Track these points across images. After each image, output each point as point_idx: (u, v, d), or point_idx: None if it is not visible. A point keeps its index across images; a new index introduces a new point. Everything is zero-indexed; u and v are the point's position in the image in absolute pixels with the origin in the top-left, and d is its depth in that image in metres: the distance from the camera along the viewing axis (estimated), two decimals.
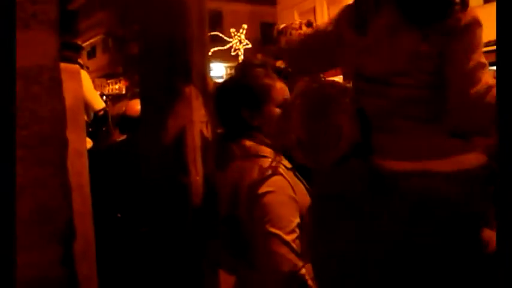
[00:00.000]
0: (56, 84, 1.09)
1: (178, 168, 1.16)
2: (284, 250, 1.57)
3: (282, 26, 2.93)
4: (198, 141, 1.17)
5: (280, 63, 2.74)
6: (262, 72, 1.80)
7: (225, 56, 20.90)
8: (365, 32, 1.31)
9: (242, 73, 1.81)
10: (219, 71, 24.37)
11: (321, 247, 1.42)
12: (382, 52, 1.29)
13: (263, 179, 1.64)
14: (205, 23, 1.19)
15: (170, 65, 1.14)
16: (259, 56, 1.99)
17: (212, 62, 21.66)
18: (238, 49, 20.46)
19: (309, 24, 2.88)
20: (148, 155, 1.21)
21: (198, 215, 1.19)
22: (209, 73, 1.20)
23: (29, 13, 1.03)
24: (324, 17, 20.24)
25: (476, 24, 1.30)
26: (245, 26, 18.45)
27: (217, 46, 18.25)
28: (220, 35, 19.44)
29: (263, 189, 1.62)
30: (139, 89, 1.21)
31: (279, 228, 1.58)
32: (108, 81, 25.32)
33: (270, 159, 1.68)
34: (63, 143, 1.11)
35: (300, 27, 2.84)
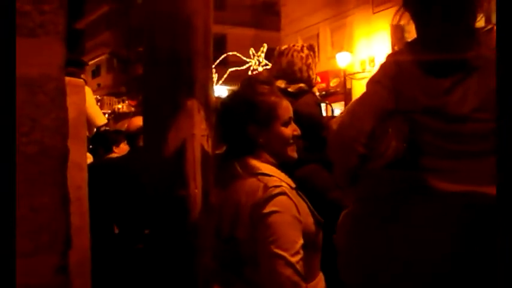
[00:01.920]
0: (60, 94, 1.10)
1: (177, 181, 1.16)
2: (288, 272, 1.56)
3: (283, 47, 2.97)
4: (198, 154, 1.17)
5: (280, 83, 2.77)
6: (269, 89, 1.82)
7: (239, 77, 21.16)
8: (444, 74, 1.42)
9: (249, 89, 1.80)
10: (222, 93, 24.53)
11: (356, 248, 1.43)
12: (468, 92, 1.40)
13: (268, 198, 1.63)
14: (210, 39, 1.21)
15: (174, 78, 1.15)
16: (264, 73, 2.03)
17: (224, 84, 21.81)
18: (256, 70, 20.64)
19: (310, 47, 2.92)
20: (148, 166, 1.21)
21: (195, 229, 1.19)
22: (212, 88, 1.21)
23: (37, 23, 1.05)
24: (327, 43, 20.42)
25: None
26: (265, 45, 18.45)
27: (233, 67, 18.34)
28: (238, 54, 19.52)
29: (268, 208, 1.61)
30: (142, 100, 1.22)
31: (285, 250, 1.58)
32: (116, 99, 25.50)
33: (274, 178, 1.68)
34: (64, 153, 1.11)
35: (302, 50, 2.89)
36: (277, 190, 1.66)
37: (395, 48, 1.64)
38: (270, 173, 1.73)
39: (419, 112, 1.50)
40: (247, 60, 20.30)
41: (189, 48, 1.16)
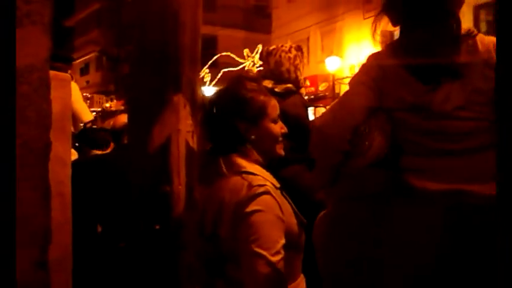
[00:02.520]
0: (44, 85, 1.09)
1: (162, 177, 1.15)
2: (268, 271, 1.55)
3: (271, 47, 2.97)
4: (183, 150, 1.16)
5: (267, 83, 2.77)
6: (258, 87, 1.82)
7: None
8: (428, 75, 1.46)
9: (239, 86, 1.80)
10: (211, 94, 24.50)
11: (334, 248, 1.42)
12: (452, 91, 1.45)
13: (252, 197, 1.62)
14: (198, 36, 1.20)
15: (160, 74, 1.14)
16: (253, 70, 2.03)
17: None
18: (251, 71, 20.62)
19: (298, 48, 2.93)
20: (133, 162, 1.20)
21: (179, 225, 1.18)
22: (199, 84, 1.20)
23: (23, 12, 1.04)
24: (317, 47, 20.49)
25: None
26: (260, 46, 18.31)
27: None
28: (231, 55, 19.42)
29: (251, 207, 1.61)
30: (128, 95, 1.21)
31: (265, 249, 1.56)
32: (106, 97, 25.36)
33: (259, 177, 1.67)
34: (46, 146, 1.10)
35: (290, 51, 2.89)
36: (261, 189, 1.65)
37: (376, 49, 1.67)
38: (255, 172, 1.72)
39: (404, 110, 1.53)
40: (241, 61, 20.27)
41: (177, 44, 1.15)
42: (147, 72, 1.15)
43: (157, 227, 1.10)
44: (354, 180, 1.44)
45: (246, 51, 19.91)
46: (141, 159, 1.17)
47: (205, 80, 20.43)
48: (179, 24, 1.15)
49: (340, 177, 1.48)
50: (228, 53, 19.73)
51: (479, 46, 1.49)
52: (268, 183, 1.68)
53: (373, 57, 1.66)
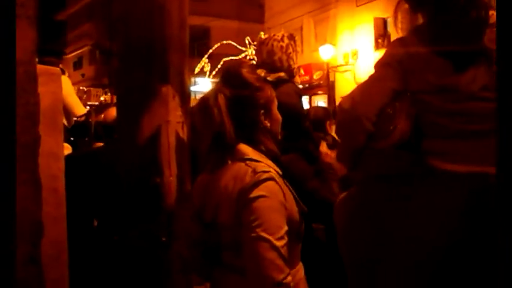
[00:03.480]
0: (31, 79, 1.08)
1: (152, 169, 1.15)
2: (273, 255, 1.59)
3: (264, 36, 2.96)
4: (173, 141, 1.16)
5: (260, 72, 2.77)
6: (259, 75, 1.83)
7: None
8: (455, 56, 1.50)
9: (248, 75, 1.78)
10: (205, 86, 24.41)
11: (357, 230, 1.39)
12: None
13: (256, 182, 1.63)
14: (185, 25, 1.19)
15: (148, 65, 1.14)
16: (247, 61, 2.03)
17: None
18: (253, 59, 20.44)
19: (290, 37, 2.92)
20: (123, 155, 1.20)
21: (170, 216, 1.18)
22: (188, 73, 1.19)
23: None
24: (310, 36, 20.44)
25: None
26: (262, 33, 18.01)
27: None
28: (233, 43, 19.17)
29: (256, 193, 1.62)
30: (116, 87, 1.20)
31: (270, 234, 1.60)
32: (103, 90, 25.15)
33: (263, 164, 1.67)
34: (35, 140, 1.09)
35: (282, 40, 2.88)
36: (266, 175, 1.66)
37: (399, 33, 1.70)
38: (259, 159, 1.72)
39: (429, 92, 1.56)
40: (243, 49, 20.05)
41: (163, 35, 1.14)
42: (134, 64, 1.14)
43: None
44: (377, 161, 1.43)
45: (247, 39, 19.75)
46: (130, 151, 1.16)
47: (205, 70, 20.21)
48: (165, 15, 1.14)
49: (362, 159, 1.48)
50: (229, 41, 19.52)
51: None
52: (272, 170, 1.68)
53: (399, 41, 1.68)
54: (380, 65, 1.65)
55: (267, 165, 1.71)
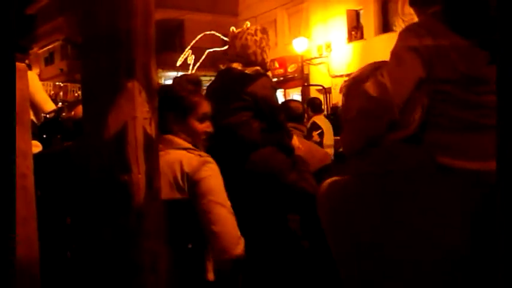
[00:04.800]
0: None
1: (119, 166, 1.12)
2: (232, 217, 1.93)
3: (237, 30, 2.94)
4: (140, 138, 1.13)
5: (236, 65, 2.75)
6: (195, 88, 2.07)
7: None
8: (487, 45, 1.43)
9: (177, 85, 2.12)
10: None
11: (355, 224, 1.31)
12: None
13: (204, 164, 1.96)
14: (151, 16, 1.16)
15: (112, 59, 1.11)
16: (195, 75, 2.34)
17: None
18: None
19: (263, 31, 2.91)
20: (89, 152, 1.17)
21: (139, 214, 1.15)
22: (155, 68, 1.17)
23: None
24: (284, 29, 20.45)
25: None
26: (248, 23, 17.46)
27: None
28: (217, 34, 18.80)
29: (205, 173, 1.94)
30: (81, 82, 1.17)
31: (226, 202, 1.95)
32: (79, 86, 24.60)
33: (202, 152, 2.05)
34: None
35: (256, 33, 2.87)
36: (209, 159, 2.01)
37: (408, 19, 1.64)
38: (194, 148, 2.07)
39: (455, 81, 1.51)
40: (225, 38, 19.75)
41: (128, 28, 1.11)
42: (98, 59, 1.11)
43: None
44: (387, 154, 1.34)
45: (232, 28, 19.56)
46: (97, 148, 1.14)
47: (189, 62, 19.90)
48: (130, 8, 1.12)
49: (367, 150, 1.40)
50: (213, 32, 19.21)
51: None
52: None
53: (420, 25, 1.60)
54: (406, 49, 1.56)
55: (204, 153, 2.05)
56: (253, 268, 2.58)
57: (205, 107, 2.15)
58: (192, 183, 1.92)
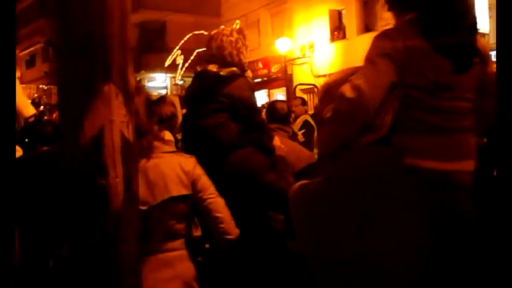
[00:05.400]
0: None
1: (96, 170, 1.12)
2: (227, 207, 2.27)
3: (213, 31, 2.94)
4: (117, 141, 1.13)
5: (212, 67, 2.75)
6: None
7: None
8: (455, 55, 1.60)
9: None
10: (163, 81, 24.13)
11: (323, 224, 1.35)
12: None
13: (197, 163, 2.30)
14: (127, 19, 1.16)
15: (88, 62, 1.10)
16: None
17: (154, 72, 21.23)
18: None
19: (239, 31, 2.90)
20: (66, 156, 1.16)
21: (117, 218, 1.15)
22: (132, 71, 1.16)
23: None
24: (267, 29, 20.47)
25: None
26: (238, 22, 17.17)
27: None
28: (205, 33, 18.64)
29: (200, 170, 2.29)
30: (57, 88, 1.16)
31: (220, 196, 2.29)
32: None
33: (184, 153, 2.37)
34: None
35: (231, 34, 2.86)
36: (195, 159, 2.33)
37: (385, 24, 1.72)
38: (179, 150, 2.38)
39: (424, 88, 1.61)
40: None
41: (104, 31, 1.11)
42: (74, 63, 1.10)
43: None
44: (357, 156, 1.37)
45: (222, 27, 19.34)
46: (74, 152, 1.13)
47: (177, 62, 19.68)
48: (105, 11, 1.11)
49: (339, 152, 1.42)
50: (202, 31, 19.03)
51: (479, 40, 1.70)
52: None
53: (395, 31, 1.67)
54: (379, 55, 1.63)
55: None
56: (238, 268, 2.58)
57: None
58: (192, 180, 2.24)
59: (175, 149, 2.37)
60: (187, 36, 18.69)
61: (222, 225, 2.24)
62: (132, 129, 1.18)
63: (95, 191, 1.13)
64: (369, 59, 1.62)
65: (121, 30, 1.14)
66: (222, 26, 3.01)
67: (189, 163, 2.27)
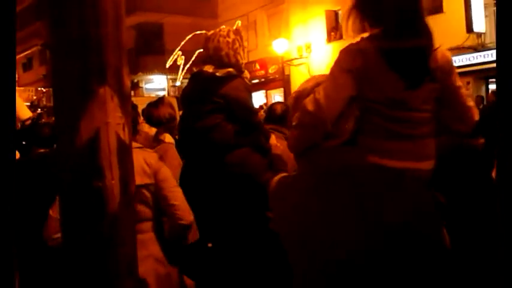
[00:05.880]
0: None
1: (93, 172, 1.12)
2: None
3: (210, 32, 2.94)
4: (113, 144, 1.13)
5: (208, 68, 2.74)
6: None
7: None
8: (407, 73, 1.80)
9: None
10: (160, 83, 24.11)
11: (297, 215, 1.51)
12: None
13: (158, 157, 2.51)
14: (122, 21, 1.16)
15: (83, 65, 1.10)
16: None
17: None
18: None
19: (236, 32, 2.90)
20: (62, 158, 1.16)
21: (114, 220, 1.15)
22: (127, 73, 1.16)
23: None
24: (264, 30, 20.48)
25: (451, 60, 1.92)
26: (239, 22, 17.16)
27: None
28: (206, 33, 18.54)
29: (161, 163, 2.49)
30: (53, 90, 1.16)
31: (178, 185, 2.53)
32: None
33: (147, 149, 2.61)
34: None
35: (228, 35, 2.86)
36: (157, 154, 2.52)
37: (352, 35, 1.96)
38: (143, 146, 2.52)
39: (381, 102, 1.82)
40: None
41: (98, 33, 1.11)
42: (69, 65, 1.10)
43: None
44: (326, 155, 1.55)
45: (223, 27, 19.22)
46: (69, 155, 1.13)
47: (178, 63, 19.59)
48: (100, 13, 1.11)
49: (312, 152, 1.61)
50: (204, 32, 18.99)
51: (439, 56, 1.87)
52: None
53: (356, 47, 1.86)
54: (340, 70, 1.83)
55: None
56: (236, 267, 2.59)
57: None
58: (154, 171, 2.46)
59: (141, 146, 2.57)
60: (188, 36, 18.63)
61: (177, 212, 2.44)
62: (128, 131, 1.18)
63: (91, 193, 1.12)
64: (332, 73, 1.84)
65: (115, 31, 1.14)
66: (223, 26, 3.01)
67: (152, 157, 2.50)
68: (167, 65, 19.66)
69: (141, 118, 3.43)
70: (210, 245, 2.66)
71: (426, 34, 1.85)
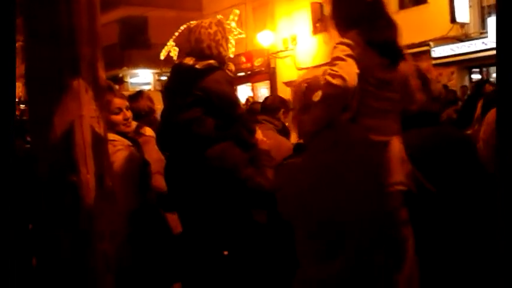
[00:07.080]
0: None
1: (67, 167, 1.10)
2: None
3: (192, 24, 2.90)
4: (88, 137, 1.11)
5: (188, 60, 2.71)
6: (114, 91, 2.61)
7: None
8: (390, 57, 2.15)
9: None
10: (146, 77, 23.95)
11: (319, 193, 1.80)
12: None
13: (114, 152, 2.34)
14: (96, 13, 1.14)
15: (56, 58, 1.08)
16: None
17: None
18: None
19: (219, 23, 2.86)
20: (36, 153, 1.14)
21: (89, 215, 1.13)
22: (102, 66, 1.14)
23: None
24: (249, 22, 20.41)
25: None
26: (237, 11, 17.00)
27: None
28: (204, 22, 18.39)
29: (115, 157, 2.30)
30: (25, 84, 1.13)
31: None
32: None
33: (116, 142, 2.44)
34: None
35: (210, 26, 2.82)
36: (116, 148, 2.35)
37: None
38: (113, 139, 2.32)
39: (372, 83, 2.11)
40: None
41: (71, 26, 1.08)
42: (41, 58, 1.08)
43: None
44: (337, 130, 1.90)
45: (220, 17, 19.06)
46: (43, 149, 1.11)
47: (171, 54, 19.42)
48: (72, 6, 1.09)
49: (322, 131, 1.92)
50: (201, 21, 18.73)
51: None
52: (120, 145, 2.47)
53: (349, 41, 2.13)
54: (347, 55, 2.07)
55: (120, 141, 2.48)
56: (223, 261, 2.58)
57: (115, 103, 2.62)
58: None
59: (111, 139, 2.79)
60: (180, 29, 18.55)
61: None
62: (104, 124, 1.16)
63: (66, 188, 1.11)
64: (338, 57, 2.04)
65: (90, 25, 1.12)
66: (219, 16, 2.96)
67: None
68: (161, 57, 19.56)
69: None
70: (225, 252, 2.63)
71: (393, 24, 2.21)
